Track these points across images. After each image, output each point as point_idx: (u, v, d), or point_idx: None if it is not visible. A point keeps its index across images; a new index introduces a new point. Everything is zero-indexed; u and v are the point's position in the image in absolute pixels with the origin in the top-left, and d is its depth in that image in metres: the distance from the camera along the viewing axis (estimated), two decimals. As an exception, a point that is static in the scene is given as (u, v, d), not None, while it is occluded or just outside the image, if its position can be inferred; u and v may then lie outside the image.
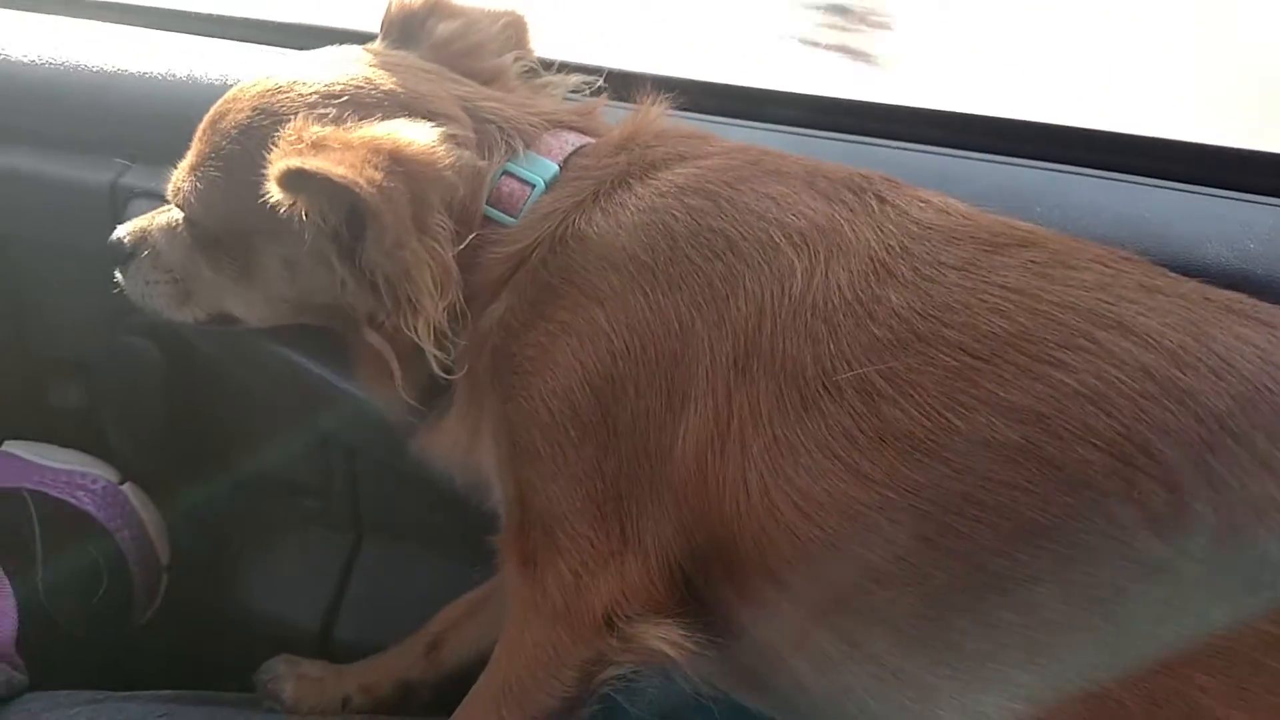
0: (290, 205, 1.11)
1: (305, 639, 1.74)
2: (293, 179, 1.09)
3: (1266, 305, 1.08)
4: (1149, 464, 0.97)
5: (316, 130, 1.15)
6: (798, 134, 1.51)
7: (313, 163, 1.08)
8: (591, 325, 1.15)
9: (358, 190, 1.07)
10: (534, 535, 1.17)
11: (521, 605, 1.19)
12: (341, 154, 1.09)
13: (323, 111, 1.21)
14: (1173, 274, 1.12)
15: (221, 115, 1.27)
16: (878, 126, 1.52)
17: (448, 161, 1.16)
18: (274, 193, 1.11)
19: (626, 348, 1.13)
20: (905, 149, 1.48)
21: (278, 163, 1.10)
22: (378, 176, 1.08)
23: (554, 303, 1.17)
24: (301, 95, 1.23)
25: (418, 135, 1.15)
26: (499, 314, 1.21)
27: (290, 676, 1.56)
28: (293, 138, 1.14)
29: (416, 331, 1.16)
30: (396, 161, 1.11)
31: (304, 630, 1.75)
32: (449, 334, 1.18)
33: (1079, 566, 0.98)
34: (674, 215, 1.16)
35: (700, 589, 1.15)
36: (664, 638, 1.12)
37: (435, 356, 1.18)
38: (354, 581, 1.78)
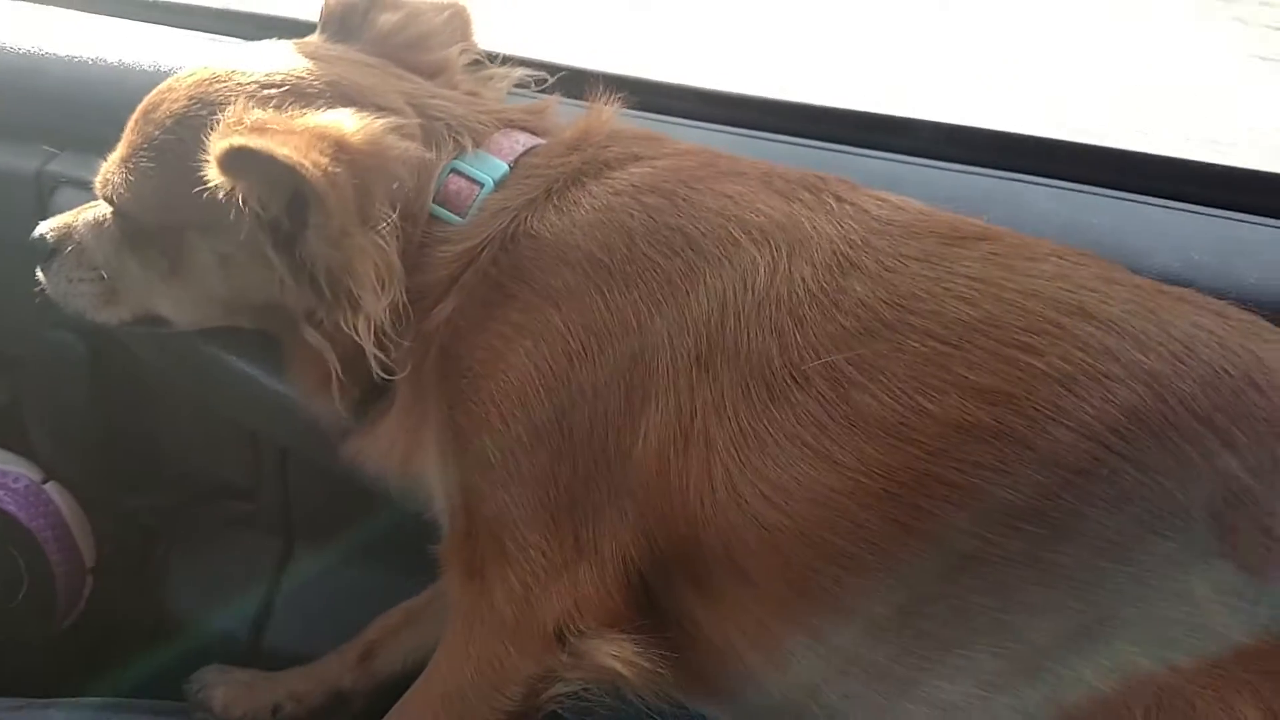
0: (230, 189, 1.07)
1: (234, 645, 1.71)
2: (235, 159, 1.05)
3: (1214, 299, 1.10)
4: (1118, 443, 0.98)
5: (258, 114, 1.11)
6: (750, 136, 1.50)
7: (257, 142, 1.05)
8: (546, 326, 1.12)
9: (303, 172, 1.04)
10: (481, 544, 1.14)
11: (466, 616, 1.17)
12: (286, 137, 1.06)
13: (262, 100, 1.17)
14: (1127, 270, 1.13)
15: (155, 105, 1.23)
16: (830, 131, 1.52)
17: (395, 152, 1.13)
18: (213, 175, 1.07)
19: (583, 349, 1.11)
20: (858, 154, 1.47)
21: (219, 142, 1.06)
22: (323, 161, 1.05)
23: (506, 303, 1.15)
24: (240, 85, 1.20)
25: (364, 124, 1.12)
26: (446, 314, 1.18)
27: (219, 684, 1.52)
28: (233, 120, 1.10)
29: (356, 329, 1.13)
30: (342, 149, 1.07)
31: (232, 637, 1.72)
32: (390, 333, 1.15)
33: (1051, 546, 0.99)
34: (630, 213, 1.15)
35: (659, 595, 1.13)
36: (617, 655, 1.10)
37: (376, 356, 1.15)
38: (284, 587, 1.75)
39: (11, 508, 1.63)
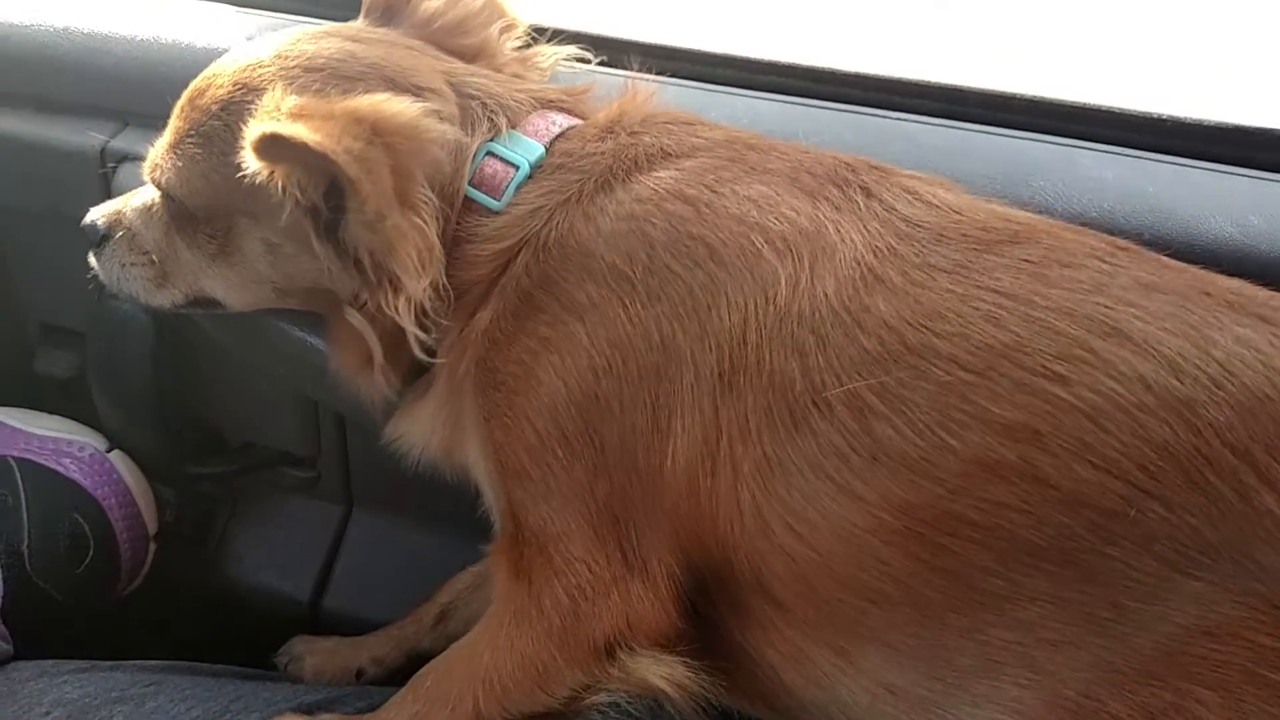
0: (268, 175, 1.08)
1: (294, 610, 1.74)
2: (269, 146, 1.06)
3: (1267, 296, 1.06)
4: (1147, 481, 0.96)
5: (295, 100, 1.12)
6: (798, 104, 1.49)
7: (290, 128, 1.05)
8: (572, 341, 1.12)
9: (335, 159, 1.04)
10: (528, 551, 1.14)
11: (514, 612, 1.16)
12: (321, 123, 1.06)
13: (304, 84, 1.19)
14: (1172, 263, 1.10)
15: (201, 91, 1.24)
16: (879, 98, 1.50)
17: (431, 135, 1.14)
18: (250, 161, 1.08)
19: (608, 363, 1.10)
20: (907, 120, 1.46)
21: (254, 129, 1.07)
22: (357, 146, 1.05)
23: (534, 316, 1.15)
24: (283, 69, 1.21)
25: (401, 107, 1.12)
26: (484, 324, 1.18)
27: (306, 654, 1.60)
28: (270, 107, 1.10)
29: (397, 310, 1.14)
30: (378, 132, 1.08)
31: (293, 602, 1.75)
32: (431, 314, 1.16)
33: (1075, 586, 0.98)
34: (653, 223, 1.13)
35: (699, 607, 1.13)
36: (667, 676, 1.10)
37: (417, 337, 1.16)
38: (344, 553, 1.77)
39: (78, 476, 1.66)
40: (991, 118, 1.47)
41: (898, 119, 1.46)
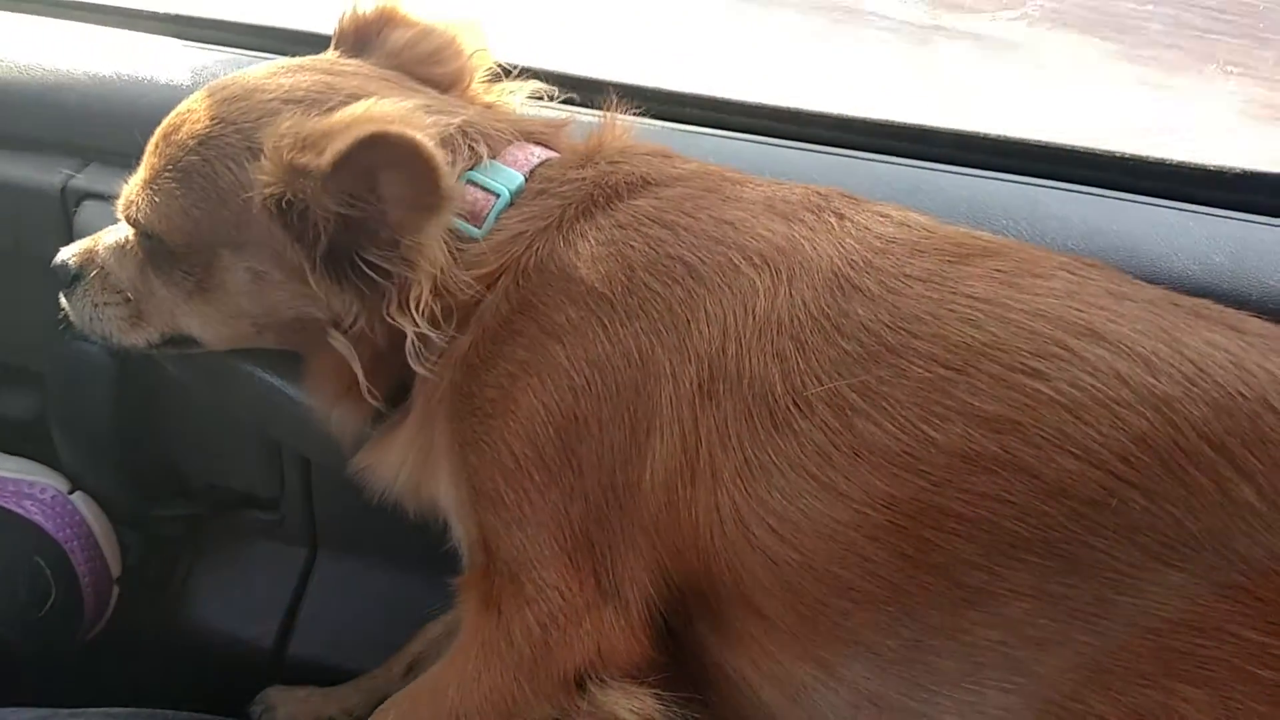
0: (351, 181, 1.07)
1: (258, 655, 1.72)
2: (367, 148, 1.05)
3: (1232, 310, 1.08)
4: (1127, 471, 0.96)
5: (312, 123, 1.11)
6: (766, 144, 1.50)
7: (393, 129, 1.05)
8: (551, 363, 1.12)
9: (433, 159, 1.05)
10: (499, 581, 1.13)
11: (482, 644, 1.15)
12: (363, 125, 1.06)
13: (285, 116, 1.17)
14: (1138, 281, 1.12)
15: (176, 127, 1.24)
16: (847, 138, 1.52)
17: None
18: (325, 172, 1.06)
19: (587, 383, 1.11)
20: (875, 160, 1.47)
21: (354, 128, 1.06)
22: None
23: (513, 340, 1.15)
24: (263, 102, 1.20)
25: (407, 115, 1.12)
26: (462, 350, 1.18)
27: (280, 703, 1.60)
28: (289, 139, 1.09)
29: (412, 307, 1.13)
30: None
31: (257, 646, 1.73)
32: (438, 319, 1.15)
33: (1059, 578, 0.98)
34: (632, 246, 1.15)
35: (678, 632, 1.12)
36: (637, 710, 1.09)
37: (415, 345, 1.15)
38: (309, 596, 1.76)
39: (39, 518, 1.64)
40: (957, 157, 1.48)
41: (864, 158, 1.48)
